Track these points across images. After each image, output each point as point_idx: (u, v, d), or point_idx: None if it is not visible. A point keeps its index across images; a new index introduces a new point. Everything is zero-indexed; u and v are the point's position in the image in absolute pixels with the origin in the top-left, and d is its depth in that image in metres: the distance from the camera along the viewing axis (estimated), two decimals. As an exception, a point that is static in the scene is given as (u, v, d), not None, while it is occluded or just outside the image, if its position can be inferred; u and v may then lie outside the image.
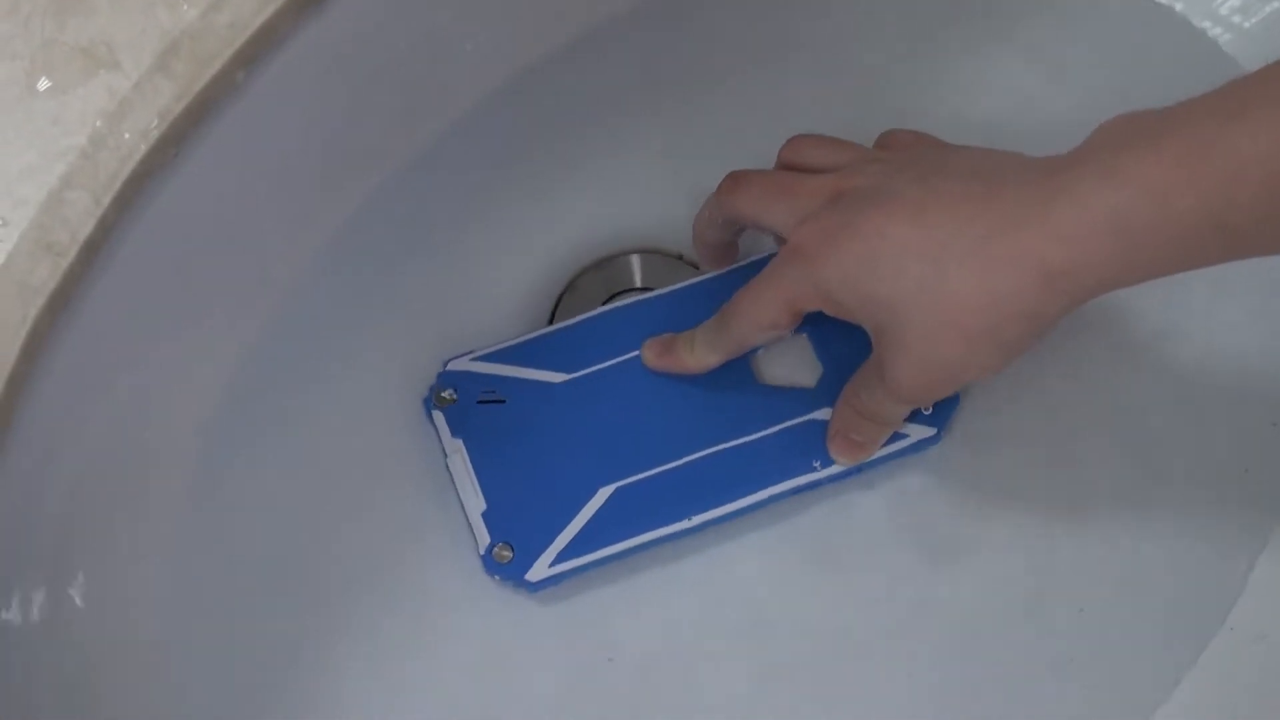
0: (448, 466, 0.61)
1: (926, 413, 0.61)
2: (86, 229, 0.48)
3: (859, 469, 0.61)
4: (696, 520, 0.60)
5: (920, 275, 0.51)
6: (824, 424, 0.61)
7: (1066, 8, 0.67)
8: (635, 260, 0.67)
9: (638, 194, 0.67)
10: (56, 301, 0.48)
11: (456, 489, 0.61)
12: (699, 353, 0.61)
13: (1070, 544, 0.61)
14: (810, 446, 0.61)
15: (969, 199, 0.50)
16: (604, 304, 0.66)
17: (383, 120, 0.61)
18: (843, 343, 0.61)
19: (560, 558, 0.59)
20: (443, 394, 0.62)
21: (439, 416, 0.62)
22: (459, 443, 0.61)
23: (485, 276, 0.66)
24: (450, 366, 0.62)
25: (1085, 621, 0.60)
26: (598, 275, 0.66)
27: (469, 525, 0.60)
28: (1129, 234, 0.46)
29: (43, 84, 0.49)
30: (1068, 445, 0.63)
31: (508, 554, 0.59)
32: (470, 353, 0.63)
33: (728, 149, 0.67)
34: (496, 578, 0.60)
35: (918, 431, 0.61)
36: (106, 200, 0.48)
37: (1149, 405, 0.63)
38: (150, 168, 0.49)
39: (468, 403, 0.62)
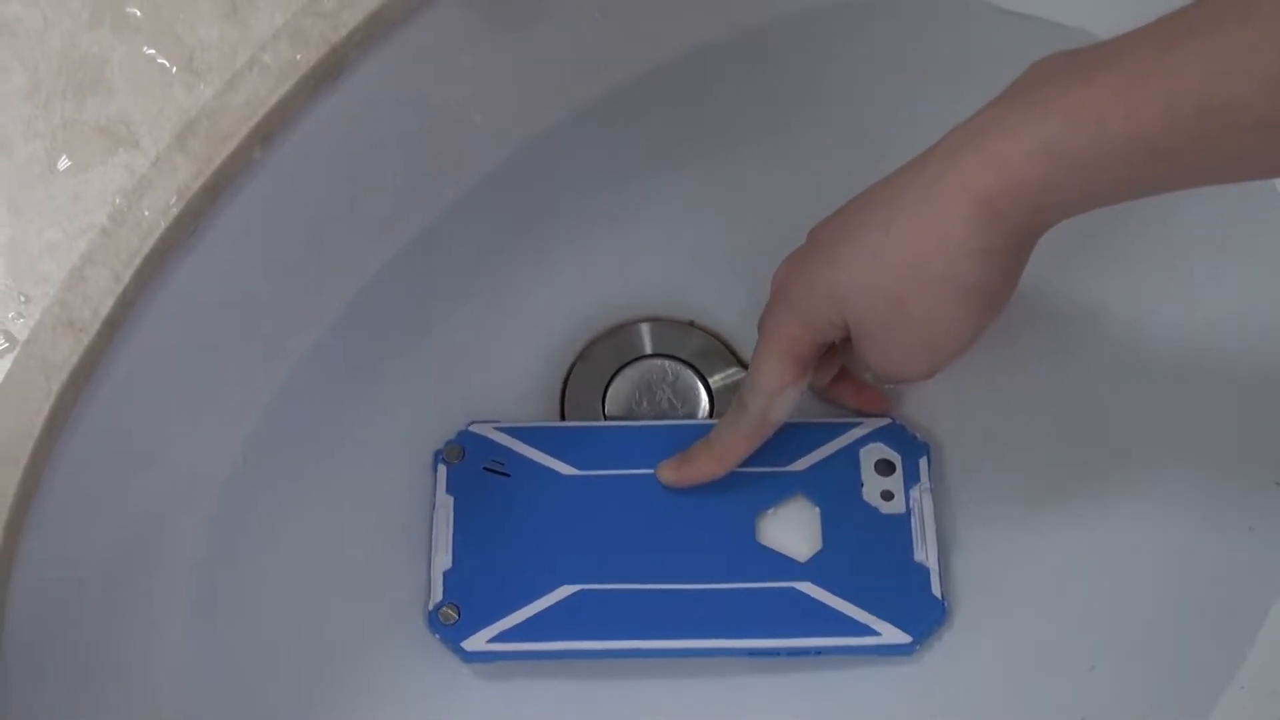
0: (432, 518, 0.62)
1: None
2: (107, 305, 0.49)
3: (820, 651, 0.60)
4: (644, 645, 0.60)
5: (874, 244, 0.51)
6: (801, 595, 0.60)
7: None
8: (645, 328, 0.67)
9: (647, 262, 0.68)
10: (79, 376, 0.49)
11: (431, 541, 0.62)
12: (718, 448, 0.61)
13: (1081, 600, 0.62)
14: (778, 614, 0.60)
15: (908, 166, 0.51)
16: (617, 372, 0.67)
17: (395, 192, 0.62)
18: (855, 535, 0.61)
19: (501, 637, 0.60)
20: (454, 451, 0.63)
21: (441, 470, 0.62)
22: (450, 499, 0.62)
23: (498, 344, 0.66)
24: (471, 428, 0.63)
25: (1097, 679, 0.60)
26: (609, 343, 0.67)
27: (428, 578, 0.61)
28: (1061, 160, 0.46)
29: (63, 163, 0.50)
30: (1076, 499, 0.63)
31: (453, 616, 0.60)
32: (496, 421, 0.63)
33: (734, 216, 0.68)
34: (437, 636, 0.60)
35: (892, 634, 0.60)
36: (127, 276, 0.49)
37: (1160, 458, 0.63)
38: (169, 244, 0.50)
39: (473, 466, 0.63)
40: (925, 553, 0.61)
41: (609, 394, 0.66)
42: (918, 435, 0.63)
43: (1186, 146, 0.44)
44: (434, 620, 0.60)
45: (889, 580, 0.61)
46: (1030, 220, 0.48)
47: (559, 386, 0.66)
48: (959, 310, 0.51)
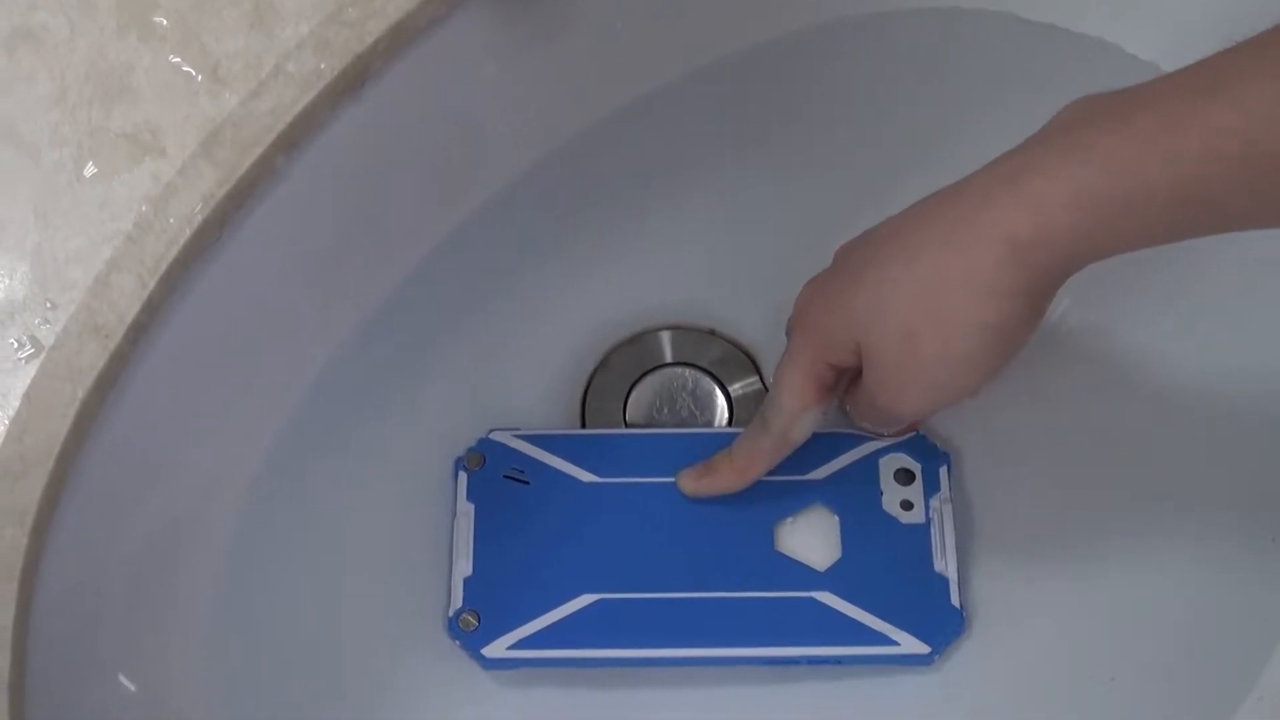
0: (453, 525, 0.62)
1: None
2: (133, 311, 0.49)
3: (838, 660, 0.60)
4: (662, 654, 0.60)
5: (896, 274, 0.50)
6: (820, 605, 0.60)
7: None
8: (666, 336, 0.68)
9: (668, 270, 0.68)
10: (104, 382, 0.49)
11: (452, 548, 0.62)
12: (739, 462, 0.60)
13: (1101, 612, 0.61)
14: (797, 624, 0.60)
15: (938, 198, 0.50)
16: (638, 380, 0.67)
17: (418, 200, 0.62)
18: (876, 546, 0.61)
19: (521, 644, 0.60)
20: (474, 458, 0.63)
21: (462, 478, 0.63)
22: (470, 506, 0.62)
23: (519, 351, 0.66)
24: (492, 435, 0.63)
25: (1116, 690, 0.60)
26: (629, 351, 0.67)
27: (449, 585, 0.61)
28: (1097, 206, 0.45)
29: (90, 170, 0.50)
30: (1096, 510, 0.63)
31: (473, 623, 0.60)
32: (516, 429, 0.64)
33: (756, 225, 0.68)
34: (457, 643, 0.60)
35: (911, 644, 0.60)
36: (152, 283, 0.49)
37: (1185, 474, 0.63)
38: (194, 251, 0.51)
39: (494, 473, 0.63)
40: (945, 563, 0.61)
41: (630, 402, 0.66)
42: (938, 444, 0.63)
43: (1228, 194, 0.44)
44: (454, 627, 0.60)
45: (908, 590, 0.61)
46: (1061, 265, 0.48)
47: (580, 394, 0.66)
48: (975, 348, 0.50)
